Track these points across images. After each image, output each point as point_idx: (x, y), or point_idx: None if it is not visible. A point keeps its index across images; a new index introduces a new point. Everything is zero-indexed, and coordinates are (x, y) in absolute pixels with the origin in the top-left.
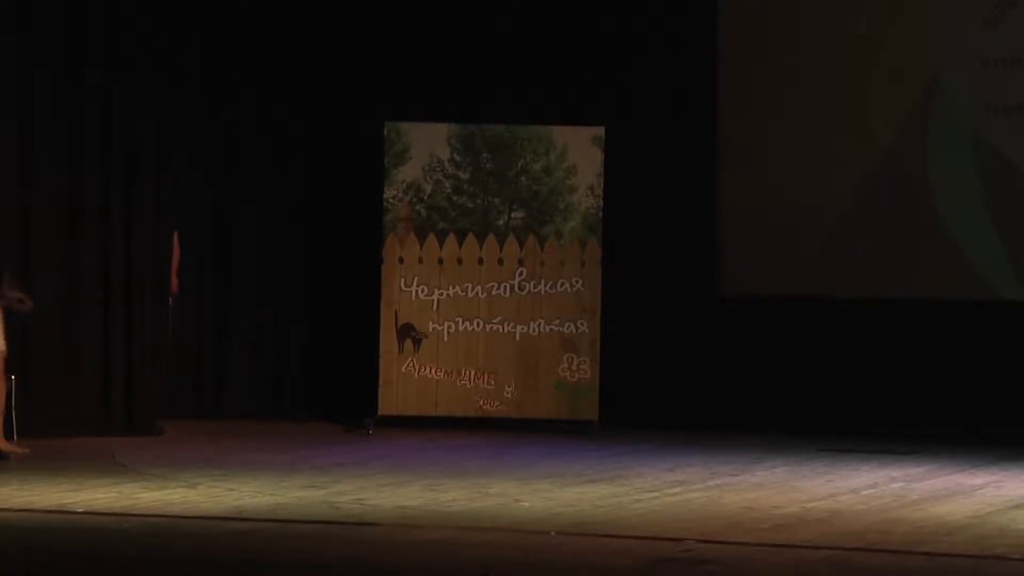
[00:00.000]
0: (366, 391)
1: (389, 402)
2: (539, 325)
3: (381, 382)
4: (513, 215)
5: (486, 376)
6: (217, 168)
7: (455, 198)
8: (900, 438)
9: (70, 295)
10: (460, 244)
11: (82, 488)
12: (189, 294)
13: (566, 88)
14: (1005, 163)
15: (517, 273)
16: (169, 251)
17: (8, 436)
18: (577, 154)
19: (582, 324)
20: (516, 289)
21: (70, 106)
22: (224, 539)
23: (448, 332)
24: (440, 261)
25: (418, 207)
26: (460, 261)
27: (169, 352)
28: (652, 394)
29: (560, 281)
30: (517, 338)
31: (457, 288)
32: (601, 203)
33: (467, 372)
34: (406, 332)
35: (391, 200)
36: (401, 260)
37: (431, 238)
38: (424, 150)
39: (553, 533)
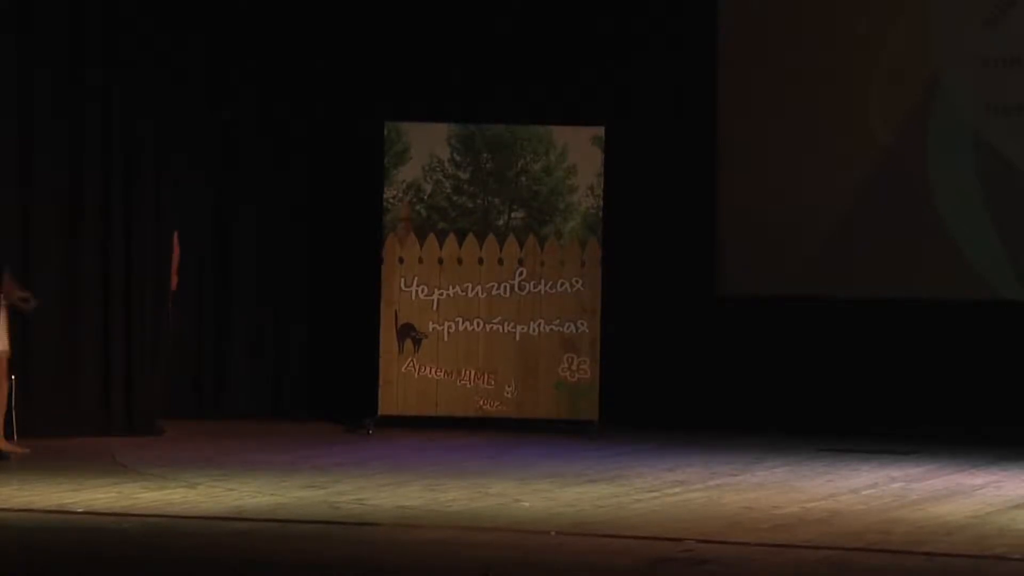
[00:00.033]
0: (366, 391)
1: (389, 402)
2: (539, 325)
3: (381, 382)
4: (513, 215)
5: (486, 376)
6: (217, 168)
7: (455, 198)
8: (900, 438)
9: (70, 295)
10: (460, 244)
11: (82, 488)
12: (189, 294)
13: (566, 88)
14: (1005, 163)
15: (517, 273)
16: (169, 251)
17: (8, 436)
18: (577, 154)
19: (582, 324)
20: (516, 289)
21: (70, 106)
22: (224, 539)
23: (448, 332)
24: (440, 261)
25: (418, 207)
26: (460, 261)
27: (169, 352)
28: (652, 394)
29: (560, 281)
30: (517, 338)
31: (457, 288)
32: (601, 203)
33: (467, 372)
34: (406, 332)
35: (391, 200)
36: (401, 260)
37: (431, 238)
38: (424, 150)
39: (553, 533)
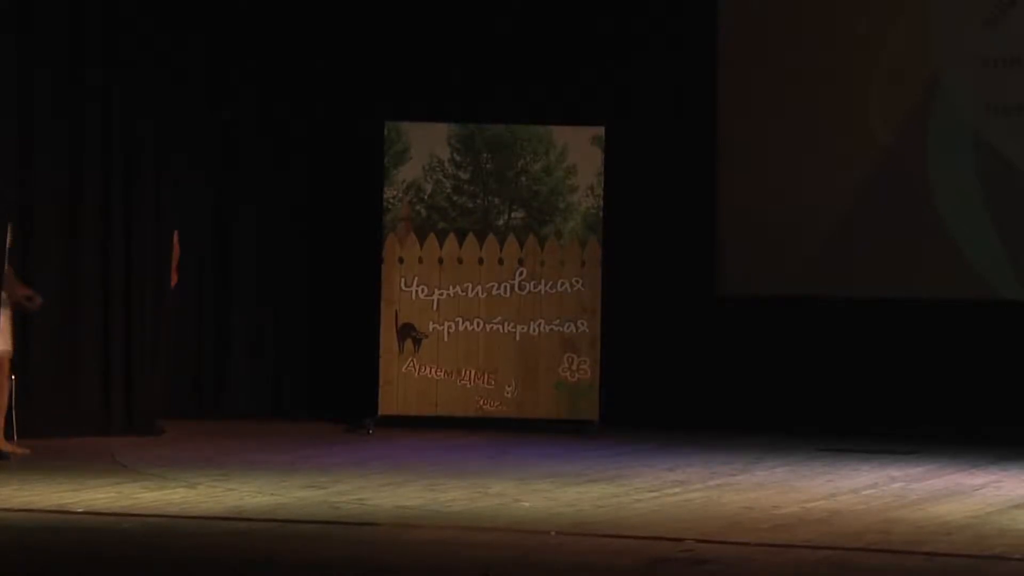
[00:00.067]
0: (366, 391)
1: (389, 402)
2: (539, 325)
3: (381, 382)
4: (513, 215)
5: (486, 376)
6: (217, 168)
7: (455, 198)
8: (900, 438)
9: (70, 295)
10: (460, 244)
11: (82, 488)
12: (189, 294)
13: (566, 88)
14: (1005, 163)
15: (517, 273)
16: (169, 251)
17: (8, 436)
18: (577, 154)
19: (582, 324)
20: (516, 289)
21: (70, 106)
22: (224, 539)
23: (448, 332)
24: (440, 261)
25: (418, 207)
26: (460, 261)
27: (169, 352)
28: (652, 394)
29: (560, 281)
30: (517, 338)
31: (457, 288)
32: (601, 203)
33: (467, 372)
34: (406, 332)
35: (391, 200)
36: (401, 260)
37: (431, 238)
38: (424, 150)
39: (553, 533)
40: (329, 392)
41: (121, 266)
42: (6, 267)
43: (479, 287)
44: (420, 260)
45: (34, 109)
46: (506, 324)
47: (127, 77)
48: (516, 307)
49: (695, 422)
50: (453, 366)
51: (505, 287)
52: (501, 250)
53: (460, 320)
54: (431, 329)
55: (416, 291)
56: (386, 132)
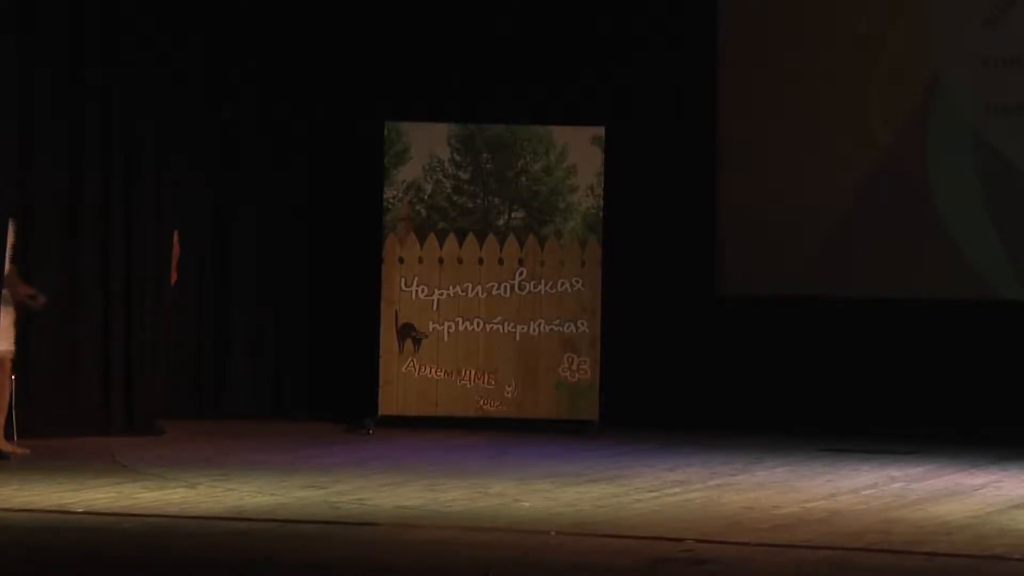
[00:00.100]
0: (366, 391)
1: (389, 402)
2: (539, 325)
3: (381, 382)
4: (513, 215)
5: (486, 376)
6: (217, 168)
7: (455, 198)
8: (900, 438)
9: (70, 295)
10: (460, 244)
11: (82, 488)
12: (189, 294)
13: (566, 88)
14: (1005, 163)
15: (517, 273)
16: (169, 251)
17: (8, 436)
18: (577, 154)
19: (582, 324)
20: (516, 289)
21: (70, 106)
22: (224, 539)
23: (448, 332)
24: (440, 261)
25: (418, 207)
26: (460, 261)
27: (169, 352)
28: (652, 394)
29: (560, 281)
30: (517, 338)
31: (457, 288)
32: (601, 203)
33: (467, 372)
34: (406, 332)
35: (391, 200)
36: (401, 260)
37: (431, 238)
38: (424, 150)
39: (553, 533)
40: (329, 392)
41: (121, 266)
42: (9, 266)
43: (479, 287)
44: (420, 260)
45: (34, 109)
46: (506, 324)
47: (127, 77)
48: (516, 307)
49: (695, 422)
50: (453, 366)
51: (505, 287)
52: (501, 250)
53: (460, 320)
54: (431, 329)
55: (416, 291)
56: (386, 132)
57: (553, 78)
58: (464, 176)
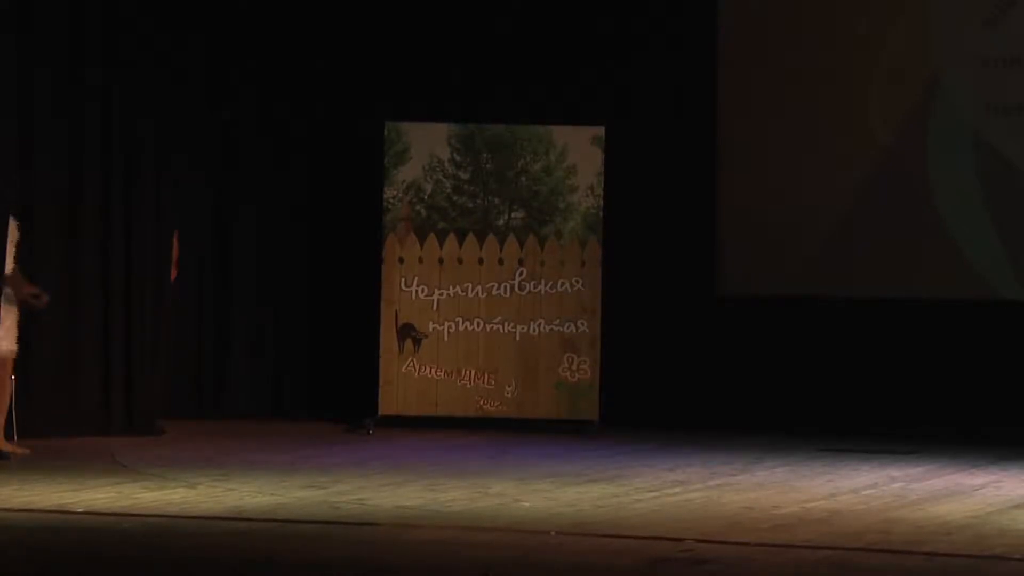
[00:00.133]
0: (366, 391)
1: (389, 402)
2: (539, 325)
3: (381, 382)
4: (513, 215)
5: (486, 376)
6: (217, 168)
7: (455, 198)
8: (900, 438)
9: (70, 295)
10: (460, 244)
11: (82, 488)
12: (189, 294)
13: (566, 88)
14: (1005, 163)
15: (517, 273)
16: (169, 251)
17: (8, 436)
18: (577, 154)
19: (582, 324)
20: (516, 289)
21: (70, 106)
22: (224, 539)
23: (448, 332)
24: (440, 261)
25: (418, 207)
26: (460, 261)
27: (169, 352)
28: (652, 394)
29: (560, 281)
30: (517, 338)
31: (457, 288)
32: (601, 203)
33: (467, 372)
34: (406, 332)
35: (391, 200)
36: (401, 260)
37: (431, 238)
38: (424, 150)
39: (553, 533)
40: (329, 392)
41: (121, 266)
42: (13, 265)
43: (479, 287)
44: (420, 260)
45: (34, 109)
46: (506, 324)
47: (127, 77)
48: (516, 307)
49: (695, 422)
50: (453, 366)
51: (505, 287)
52: (501, 250)
53: (460, 320)
54: (431, 329)
55: (416, 291)
56: (386, 132)
57: (553, 78)
58: (464, 176)
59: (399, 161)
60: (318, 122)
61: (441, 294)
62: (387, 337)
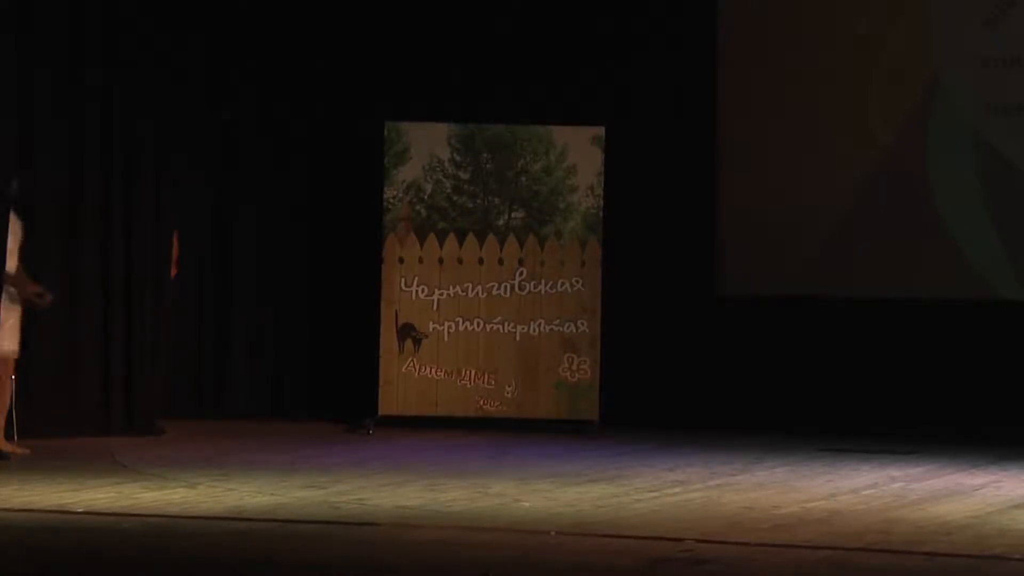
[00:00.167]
0: (366, 391)
1: (389, 402)
2: (539, 325)
3: (381, 382)
4: (513, 215)
5: (486, 376)
6: (217, 168)
7: (455, 198)
8: (900, 438)
9: (70, 295)
10: (460, 244)
11: (82, 488)
12: (189, 294)
13: (566, 88)
14: (1005, 163)
15: (517, 273)
16: (169, 251)
17: (8, 436)
18: (577, 154)
19: (582, 324)
20: (516, 289)
21: (70, 106)
22: (224, 539)
23: (448, 332)
24: (440, 261)
25: (418, 207)
26: (460, 261)
27: (169, 352)
28: (652, 394)
29: (560, 281)
30: (517, 338)
31: (457, 288)
32: (601, 203)
33: (467, 372)
34: (406, 332)
35: (391, 200)
36: (401, 260)
37: (431, 238)
38: (424, 150)
39: (553, 533)
40: (329, 392)
41: (121, 266)
42: (17, 264)
43: (479, 287)
44: (420, 260)
45: (34, 109)
46: (506, 324)
47: (127, 77)
48: (516, 307)
49: (695, 422)
50: (453, 366)
51: (505, 287)
52: (501, 250)
53: (460, 320)
54: (431, 329)
55: (416, 291)
56: (386, 132)
57: (553, 78)
58: (464, 176)
59: (399, 161)
60: (318, 122)
61: (441, 294)
62: (387, 337)
